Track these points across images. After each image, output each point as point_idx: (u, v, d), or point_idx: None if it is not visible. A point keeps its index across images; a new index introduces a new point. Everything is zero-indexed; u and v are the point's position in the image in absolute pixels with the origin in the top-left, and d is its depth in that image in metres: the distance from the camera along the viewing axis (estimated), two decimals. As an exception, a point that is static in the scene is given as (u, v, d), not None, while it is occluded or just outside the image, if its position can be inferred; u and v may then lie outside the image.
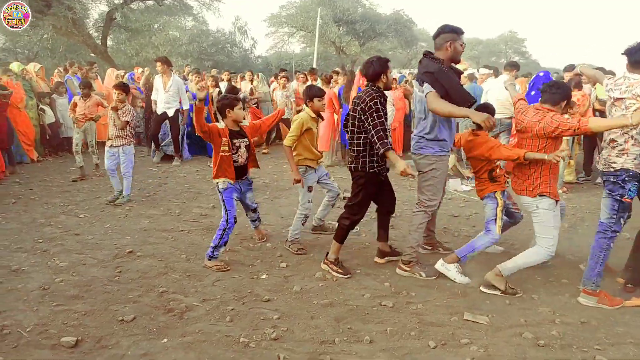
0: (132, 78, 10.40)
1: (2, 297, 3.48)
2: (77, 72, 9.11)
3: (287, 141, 4.53)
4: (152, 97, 8.61)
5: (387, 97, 3.97)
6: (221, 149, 4.09)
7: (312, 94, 4.58)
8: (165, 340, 3.00)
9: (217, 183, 4.15)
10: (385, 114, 3.80)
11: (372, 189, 4.06)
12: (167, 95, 8.24)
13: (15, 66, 9.12)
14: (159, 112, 8.37)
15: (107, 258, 4.30)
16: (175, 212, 5.72)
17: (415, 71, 8.38)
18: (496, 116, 7.11)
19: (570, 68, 8.21)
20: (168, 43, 21.86)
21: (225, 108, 4.16)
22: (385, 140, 3.70)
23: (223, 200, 4.12)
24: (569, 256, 4.59)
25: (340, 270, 4.06)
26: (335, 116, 8.60)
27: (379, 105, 3.74)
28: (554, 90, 3.59)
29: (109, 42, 22.11)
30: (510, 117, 7.16)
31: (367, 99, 3.74)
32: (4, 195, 6.27)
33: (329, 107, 8.54)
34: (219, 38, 25.75)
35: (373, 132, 3.71)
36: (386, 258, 4.39)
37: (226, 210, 4.10)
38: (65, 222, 5.25)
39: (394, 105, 8.66)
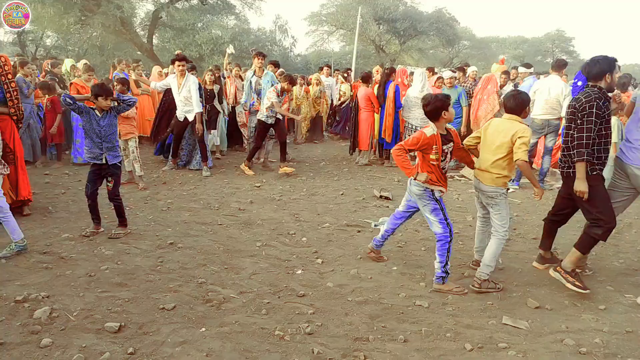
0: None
1: (51, 282, 3.66)
2: (124, 69, 9.42)
3: (524, 154, 3.60)
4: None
5: (609, 98, 3.68)
6: (430, 157, 3.69)
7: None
8: (203, 329, 3.08)
9: (432, 190, 3.75)
10: (603, 118, 3.54)
11: (603, 190, 3.72)
12: (182, 96, 7.31)
13: (67, 63, 9.54)
14: (181, 118, 7.46)
15: (149, 248, 4.45)
16: (215, 206, 5.85)
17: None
18: (544, 117, 6.97)
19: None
20: (210, 41, 22.26)
21: (440, 110, 3.66)
22: (582, 150, 3.52)
23: (442, 210, 3.76)
24: (615, 263, 4.41)
25: (578, 284, 3.64)
26: (375, 115, 8.57)
27: (594, 110, 3.49)
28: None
29: (155, 41, 22.80)
30: (558, 118, 6.92)
31: (584, 100, 3.55)
32: (54, 185, 6.58)
33: (367, 106, 8.52)
34: (259, 36, 26.05)
35: (576, 135, 3.55)
36: (546, 265, 4.20)
37: (447, 220, 3.75)
38: (110, 212, 5.45)
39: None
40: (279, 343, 2.97)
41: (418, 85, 8.24)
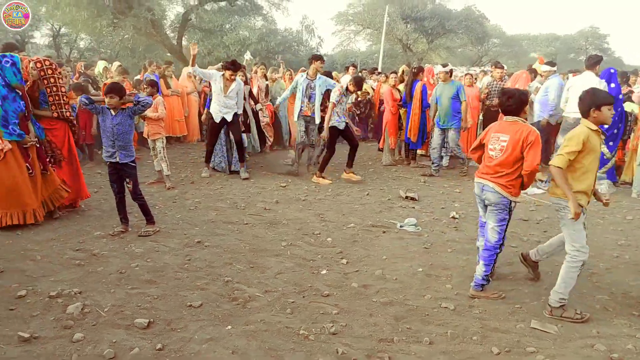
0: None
1: (84, 279, 3.78)
2: (155, 71, 9.63)
3: (561, 161, 3.27)
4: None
5: None
6: None
7: (600, 100, 3.31)
8: (229, 327, 3.13)
9: (511, 202, 3.56)
10: None
11: None
12: (227, 99, 7.21)
13: (100, 64, 9.81)
14: (217, 119, 7.27)
15: (177, 246, 4.54)
16: (241, 206, 5.92)
17: (487, 69, 8.14)
18: (573, 115, 6.77)
19: None
20: (238, 42, 22.53)
21: (524, 105, 3.52)
22: None
23: (507, 223, 3.62)
24: (651, 267, 4.27)
25: None
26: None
27: None
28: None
29: (184, 42, 23.17)
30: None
31: None
32: (87, 184, 6.76)
33: (389, 105, 8.46)
34: (286, 37, 26.20)
35: None
36: None
37: (504, 232, 3.62)
38: (140, 212, 5.58)
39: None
40: (304, 342, 2.99)
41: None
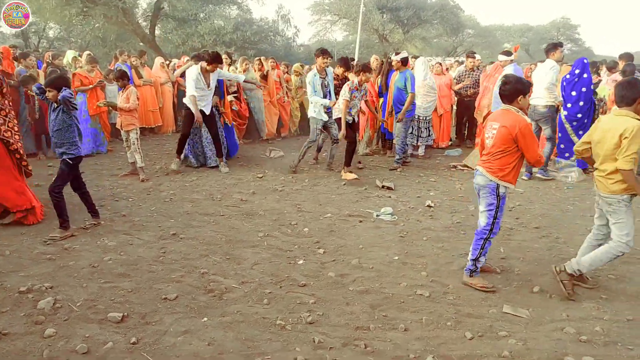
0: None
1: (55, 273, 3.69)
2: (126, 61, 9.40)
3: (627, 164, 3.20)
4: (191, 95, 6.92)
5: None
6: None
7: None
8: (206, 319, 3.11)
9: (498, 186, 3.54)
10: None
11: None
12: (209, 91, 7.05)
13: (69, 54, 9.52)
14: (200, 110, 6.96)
15: (152, 239, 4.47)
16: (217, 197, 5.87)
17: (461, 59, 8.19)
18: (544, 102, 6.89)
19: (626, 56, 7.79)
20: (213, 32, 22.14)
21: (518, 94, 3.52)
22: None
23: (497, 208, 3.57)
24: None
25: None
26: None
27: None
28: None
29: (157, 32, 22.72)
30: (545, 106, 6.85)
31: None
32: (58, 177, 6.61)
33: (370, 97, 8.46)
34: (262, 27, 25.87)
35: None
36: None
37: (495, 219, 3.58)
38: (113, 204, 5.49)
39: (435, 91, 8.46)
40: (280, 332, 2.99)
41: (420, 74, 8.19)
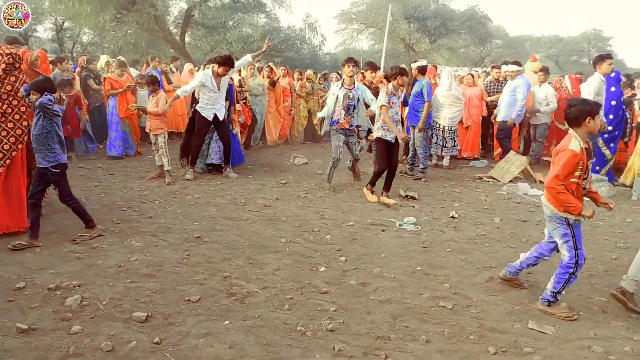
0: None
1: (83, 272, 3.79)
2: (157, 66, 9.62)
3: None
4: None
5: None
6: (575, 174, 3.24)
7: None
8: (227, 322, 3.14)
9: (566, 218, 3.32)
10: None
11: None
12: (219, 95, 6.96)
13: (103, 59, 9.80)
14: (210, 117, 6.95)
15: (177, 241, 4.54)
16: (241, 202, 5.93)
17: (489, 69, 8.10)
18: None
19: None
20: (241, 39, 22.50)
21: (586, 116, 3.22)
22: None
23: (574, 237, 3.33)
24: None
25: None
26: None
27: None
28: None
29: (187, 39, 23.18)
30: None
31: None
32: (87, 178, 6.79)
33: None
34: (289, 35, 26.17)
35: None
36: None
37: (576, 250, 3.33)
38: (141, 206, 5.60)
39: (461, 101, 8.38)
40: (301, 339, 3.00)
41: (445, 85, 8.14)
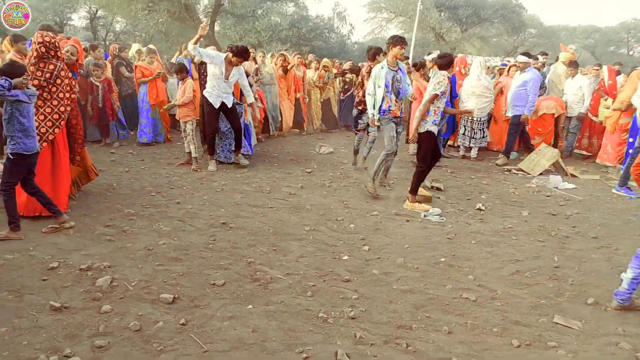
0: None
1: (113, 254, 3.90)
2: (189, 55, 9.72)
3: None
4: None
5: None
6: None
7: None
8: (251, 306, 3.19)
9: None
10: None
11: None
12: (227, 84, 6.64)
13: (134, 47, 9.98)
14: (217, 104, 6.64)
15: (203, 227, 4.63)
16: (266, 190, 5.98)
17: (520, 59, 7.83)
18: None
19: None
20: (269, 28, 22.58)
21: None
22: None
23: None
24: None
25: None
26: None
27: None
28: None
29: (216, 27, 23.37)
30: None
31: None
32: (119, 164, 6.96)
33: (419, 96, 8.33)
34: (318, 24, 26.07)
35: None
36: None
37: None
38: (169, 191, 5.72)
39: (491, 91, 8.19)
40: (322, 325, 3.03)
41: (475, 74, 7.98)
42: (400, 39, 5.82)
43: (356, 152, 7.32)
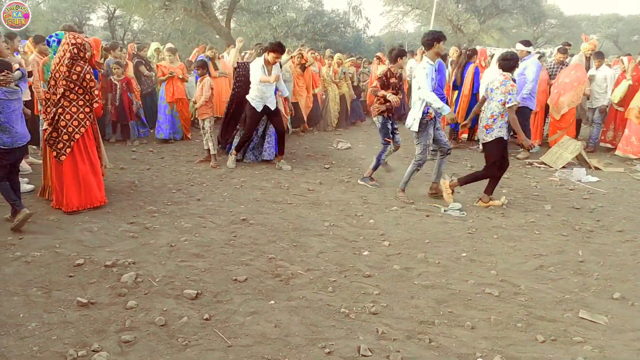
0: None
1: (137, 250, 3.97)
2: (205, 53, 9.81)
3: None
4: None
5: None
6: None
7: None
8: (272, 302, 3.22)
9: None
10: None
11: None
12: (270, 85, 6.57)
13: (153, 46, 10.08)
14: (259, 108, 6.66)
15: (224, 223, 4.67)
16: (285, 186, 6.01)
17: (542, 50, 7.71)
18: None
19: None
20: (285, 24, 22.56)
21: None
22: None
23: None
24: None
25: None
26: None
27: None
28: None
29: (232, 24, 23.47)
30: None
31: None
32: (140, 162, 7.06)
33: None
34: (333, 18, 25.94)
35: None
36: None
37: None
38: (189, 188, 5.79)
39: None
40: (344, 320, 3.04)
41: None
42: (443, 34, 5.34)
43: (384, 164, 6.32)
